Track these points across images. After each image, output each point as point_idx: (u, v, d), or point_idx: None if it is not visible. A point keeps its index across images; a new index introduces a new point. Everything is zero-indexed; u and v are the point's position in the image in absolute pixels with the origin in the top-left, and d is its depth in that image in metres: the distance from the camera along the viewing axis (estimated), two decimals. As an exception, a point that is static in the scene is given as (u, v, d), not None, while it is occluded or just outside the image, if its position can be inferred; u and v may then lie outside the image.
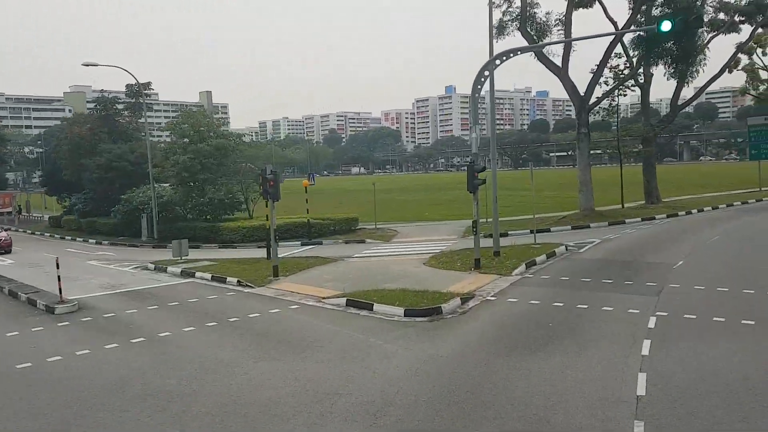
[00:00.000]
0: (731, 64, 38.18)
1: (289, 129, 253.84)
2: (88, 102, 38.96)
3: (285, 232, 27.32)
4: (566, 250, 20.04)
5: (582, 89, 29.08)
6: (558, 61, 28.78)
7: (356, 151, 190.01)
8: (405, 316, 12.39)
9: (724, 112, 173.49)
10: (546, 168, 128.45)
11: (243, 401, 8.28)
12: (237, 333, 11.81)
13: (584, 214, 28.42)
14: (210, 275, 18.15)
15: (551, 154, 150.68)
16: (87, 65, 29.32)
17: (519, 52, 18.31)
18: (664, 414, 7.28)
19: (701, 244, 20.19)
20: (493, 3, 25.22)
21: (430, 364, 9.42)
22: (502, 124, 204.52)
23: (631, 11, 28.65)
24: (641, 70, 31.97)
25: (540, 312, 12.38)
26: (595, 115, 33.53)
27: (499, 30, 29.14)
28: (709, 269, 16.04)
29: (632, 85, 32.53)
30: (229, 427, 7.49)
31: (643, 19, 28.41)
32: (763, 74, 44.18)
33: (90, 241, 33.78)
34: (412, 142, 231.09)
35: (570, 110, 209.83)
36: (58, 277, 15.19)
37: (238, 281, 16.94)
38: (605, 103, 31.88)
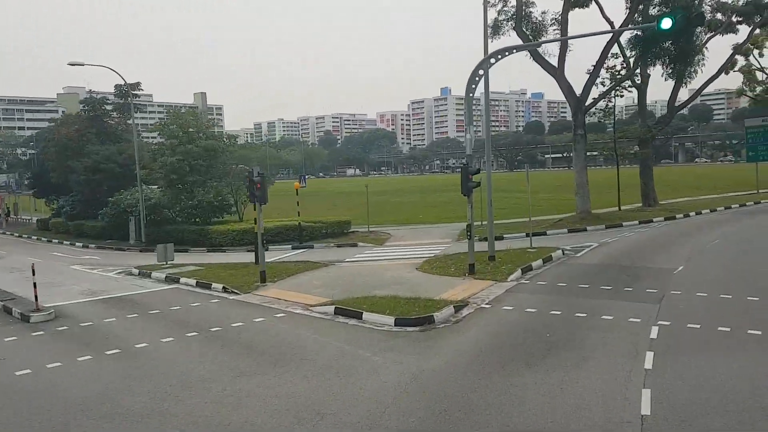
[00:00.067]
0: (728, 66, 37.89)
1: (284, 130, 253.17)
2: (81, 103, 38.15)
3: (276, 236, 26.73)
4: (563, 254, 19.51)
5: (578, 90, 28.60)
6: (554, 62, 28.29)
7: (351, 153, 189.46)
8: (395, 325, 11.81)
9: (719, 114, 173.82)
10: (541, 170, 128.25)
11: (218, 421, 7.68)
12: (218, 344, 11.20)
13: (581, 216, 27.92)
14: (195, 281, 17.52)
15: (546, 156, 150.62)
16: (73, 65, 28.72)
17: (514, 51, 17.79)
18: (672, 437, 6.73)
19: (701, 247, 19.70)
20: (488, 2, 24.74)
21: (420, 380, 8.84)
22: (497, 126, 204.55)
23: (628, 10, 28.20)
24: (638, 71, 31.53)
25: (537, 321, 11.83)
26: (591, 116, 33.10)
27: (494, 30, 28.60)
28: (711, 274, 15.54)
29: (629, 86, 32.06)
30: (200, 452, 6.89)
31: (640, 19, 27.95)
32: (759, 76, 43.94)
33: (77, 244, 33.06)
34: (407, 143, 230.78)
35: (565, 112, 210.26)
36: (34, 283, 14.55)
37: (224, 287, 16.32)
38: (601, 104, 31.43)
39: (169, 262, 20.46)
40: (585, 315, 11.99)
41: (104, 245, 31.28)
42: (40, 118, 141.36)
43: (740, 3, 33.68)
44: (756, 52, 41.54)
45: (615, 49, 29.86)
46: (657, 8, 27.66)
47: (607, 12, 29.43)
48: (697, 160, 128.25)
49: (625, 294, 13.75)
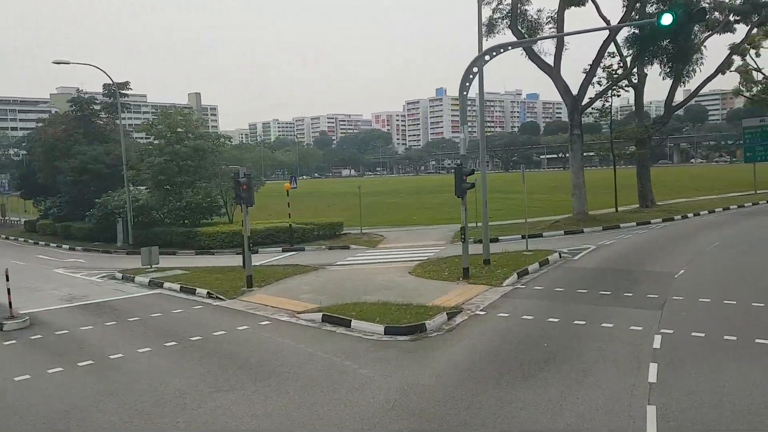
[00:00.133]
0: (725, 66, 37.47)
1: (279, 131, 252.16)
2: (68, 103, 37.43)
3: (266, 238, 26.12)
4: (560, 257, 18.97)
5: (574, 90, 28.10)
6: (550, 60, 27.76)
7: (347, 154, 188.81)
8: (385, 334, 11.22)
9: (714, 115, 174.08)
10: (536, 170, 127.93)
11: (189, 444, 7.08)
12: (197, 355, 10.58)
13: (577, 218, 27.41)
14: (179, 286, 16.87)
15: (542, 157, 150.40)
16: (58, 63, 27.99)
17: (510, 47, 17.24)
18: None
19: (701, 250, 19.19)
20: (483, 0, 24.22)
21: (410, 395, 8.25)
22: (492, 127, 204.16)
23: (625, 8, 27.70)
24: (635, 70, 31.06)
25: (534, 329, 11.26)
26: (587, 116, 32.60)
27: (489, 28, 28.10)
28: (713, 279, 15.02)
29: (626, 86, 31.58)
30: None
31: (637, 17, 27.45)
32: (756, 76, 43.53)
33: (63, 246, 32.35)
34: (402, 144, 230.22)
35: (560, 113, 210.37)
36: (8, 289, 13.87)
37: (208, 293, 15.68)
38: (598, 104, 30.92)
39: (153, 266, 19.81)
40: (584, 322, 11.44)
41: (91, 247, 30.58)
42: (33, 119, 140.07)
43: (738, 2, 33.27)
44: (753, 52, 41.17)
45: (611, 48, 29.45)
46: (654, 6, 27.16)
47: (603, 11, 29.00)
48: (692, 160, 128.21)
49: (625, 300, 13.21)
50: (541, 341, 10.44)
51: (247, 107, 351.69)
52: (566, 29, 27.53)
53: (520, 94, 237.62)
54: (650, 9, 27.30)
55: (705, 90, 35.70)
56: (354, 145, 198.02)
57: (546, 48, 28.05)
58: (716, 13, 32.94)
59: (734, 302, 12.55)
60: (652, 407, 7.54)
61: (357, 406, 7.91)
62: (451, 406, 7.84)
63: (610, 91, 29.92)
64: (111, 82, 32.50)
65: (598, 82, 29.30)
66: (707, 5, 31.25)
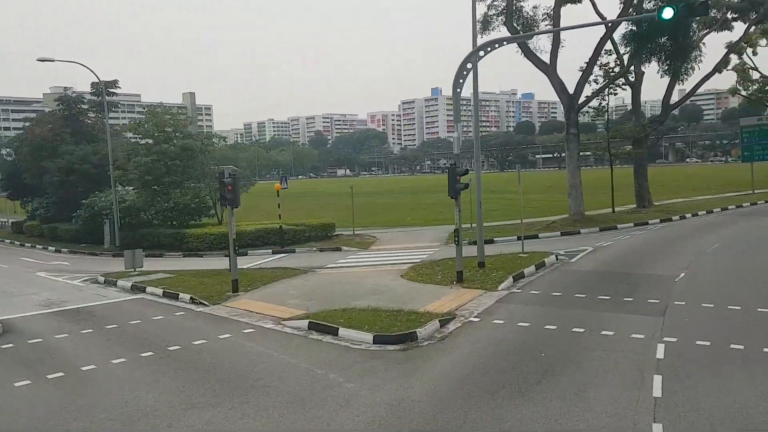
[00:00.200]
0: (722, 64, 37.04)
1: (274, 131, 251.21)
2: (55, 102, 36.74)
3: (256, 239, 25.51)
4: (556, 259, 18.43)
5: (571, 89, 27.56)
6: (546, 58, 27.26)
7: (342, 153, 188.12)
8: (374, 343, 10.64)
9: (709, 114, 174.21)
10: (532, 170, 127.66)
11: (156, 470, 6.48)
12: (173, 367, 9.97)
13: (574, 219, 26.89)
14: (162, 290, 16.22)
15: (537, 156, 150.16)
16: (42, 60, 27.32)
17: (505, 43, 16.67)
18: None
19: (701, 252, 18.68)
20: (478, -5, 23.64)
21: (398, 413, 7.67)
22: (488, 126, 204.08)
23: (622, 5, 27.18)
24: (632, 68, 30.57)
25: (530, 338, 10.69)
26: (583, 115, 32.08)
27: (483, 25, 27.52)
28: (715, 283, 14.50)
29: (623, 84, 31.09)
30: None
31: (634, 14, 26.92)
32: (753, 74, 43.17)
33: (49, 248, 31.64)
34: (398, 144, 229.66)
35: (556, 112, 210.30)
36: (-20, 296, 13.24)
37: (191, 298, 15.04)
38: (594, 102, 30.43)
39: (137, 269, 19.16)
40: (583, 330, 10.89)
41: (77, 249, 29.88)
42: (26, 118, 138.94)
43: (736, 0, 32.85)
44: (750, 50, 40.78)
45: (608, 46, 28.95)
46: (652, 2, 26.67)
47: (600, 8, 28.47)
48: (687, 160, 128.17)
49: (625, 305, 12.67)
50: (538, 351, 9.88)
51: (247, 107, 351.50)
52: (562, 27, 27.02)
53: (516, 94, 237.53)
54: (648, 5, 26.82)
55: (700, 89, 35.27)
56: (349, 144, 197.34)
57: (542, 45, 27.71)
58: (714, 11, 32.48)
59: (738, 307, 12.04)
60: (659, 425, 7.02)
61: (341, 425, 7.34)
62: (443, 424, 7.28)
63: (606, 89, 29.44)
64: (98, 81, 31.78)
65: (595, 81, 28.82)
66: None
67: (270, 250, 24.48)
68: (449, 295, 14.13)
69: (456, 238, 15.73)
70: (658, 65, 28.10)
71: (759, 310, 11.79)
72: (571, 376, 8.67)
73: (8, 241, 37.39)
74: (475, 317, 12.24)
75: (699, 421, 7.11)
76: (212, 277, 17.73)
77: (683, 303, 12.55)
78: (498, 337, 10.86)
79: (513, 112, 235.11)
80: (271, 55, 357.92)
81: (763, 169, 42.41)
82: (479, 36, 23.17)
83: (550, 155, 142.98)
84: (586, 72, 27.66)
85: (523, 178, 22.10)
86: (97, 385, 9.36)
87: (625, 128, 33.68)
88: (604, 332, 10.71)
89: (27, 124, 41.36)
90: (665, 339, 10.14)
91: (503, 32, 27.34)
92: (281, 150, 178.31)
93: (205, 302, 14.62)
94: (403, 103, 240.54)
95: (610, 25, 26.25)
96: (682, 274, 15.29)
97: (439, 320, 11.72)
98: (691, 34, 27.67)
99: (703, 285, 14.28)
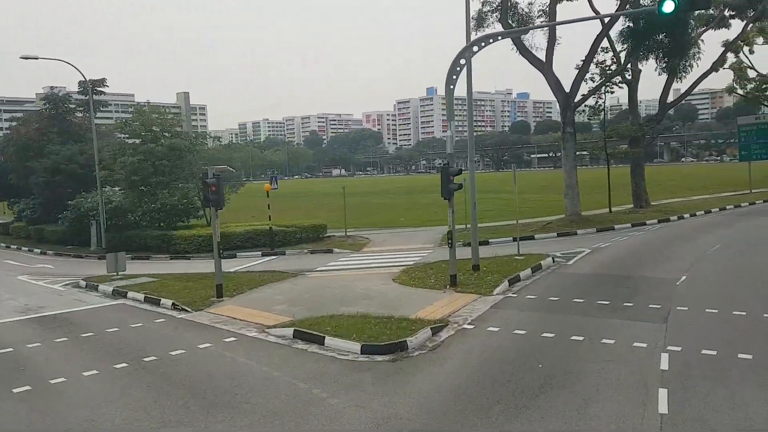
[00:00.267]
0: (719, 63, 36.63)
1: (269, 130, 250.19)
2: (42, 100, 36.07)
3: (246, 241, 24.89)
4: (553, 262, 17.89)
5: (567, 87, 27.05)
6: (541, 56, 26.71)
7: (337, 153, 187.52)
8: (362, 353, 10.05)
9: (703, 114, 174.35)
10: (527, 169, 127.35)
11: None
12: (147, 380, 9.35)
13: (570, 219, 26.37)
14: (143, 296, 15.58)
15: (532, 156, 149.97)
16: (26, 58, 26.62)
17: (499, 38, 16.13)
18: None
19: (702, 254, 18.18)
20: (471, -9, 23.09)
21: (385, 431, 7.09)
22: (483, 126, 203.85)
23: (619, 2, 26.67)
24: (629, 66, 30.08)
25: (527, 347, 10.13)
26: (580, 114, 31.59)
27: (478, 22, 26.98)
28: (718, 286, 14.00)
29: (619, 82, 30.60)
30: None
31: (631, 10, 26.43)
32: (750, 73, 42.80)
33: (35, 250, 30.94)
34: (393, 143, 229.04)
35: (551, 112, 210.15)
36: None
37: (173, 304, 14.40)
38: (590, 101, 29.92)
39: (120, 273, 18.49)
40: (582, 338, 10.34)
41: (63, 252, 29.22)
42: (12, 118, 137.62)
43: (733, -3, 32.41)
44: (746, 49, 40.42)
45: (605, 43, 28.48)
46: (650, -2, 26.16)
47: (596, 5, 27.98)
48: (683, 159, 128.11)
49: (625, 311, 12.13)
50: (536, 362, 9.31)
51: (247, 107, 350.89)
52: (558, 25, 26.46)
53: (511, 94, 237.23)
54: (644, 1, 26.29)
55: (694, 89, 34.86)
56: (344, 144, 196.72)
57: (538, 42, 27.09)
58: (711, 9, 32.02)
59: (743, 313, 11.52)
60: (667, 447, 6.47)
61: (321, 448, 6.76)
62: (432, 447, 6.71)
63: (603, 87, 28.95)
64: (84, 79, 31.05)
65: (591, 79, 28.36)
66: None
67: (260, 252, 23.86)
68: (442, 300, 13.56)
69: (449, 240, 15.16)
70: (656, 63, 27.63)
71: (765, 316, 11.28)
72: (570, 390, 8.11)
73: (-6, 242, 36.62)
74: (468, 324, 11.67)
75: (710, 441, 6.57)
76: (197, 281, 17.10)
77: (686, 308, 12.03)
78: (493, 346, 10.29)
79: (508, 111, 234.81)
80: (271, 55, 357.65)
81: (760, 169, 42.05)
82: (473, 33, 22.66)
83: (546, 155, 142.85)
84: (583, 70, 27.16)
85: (518, 178, 21.57)
86: (65, 401, 8.75)
87: (622, 127, 33.19)
88: (604, 340, 10.16)
89: (13, 123, 40.48)
90: (669, 348, 9.60)
91: (498, 29, 26.77)
92: (276, 150, 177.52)
93: (187, 308, 13.98)
94: (399, 102, 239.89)
95: (607, 20, 25.77)
96: (683, 277, 14.78)
97: (431, 328, 11.15)
98: (689, 30, 27.18)
99: (706, 289, 13.77)
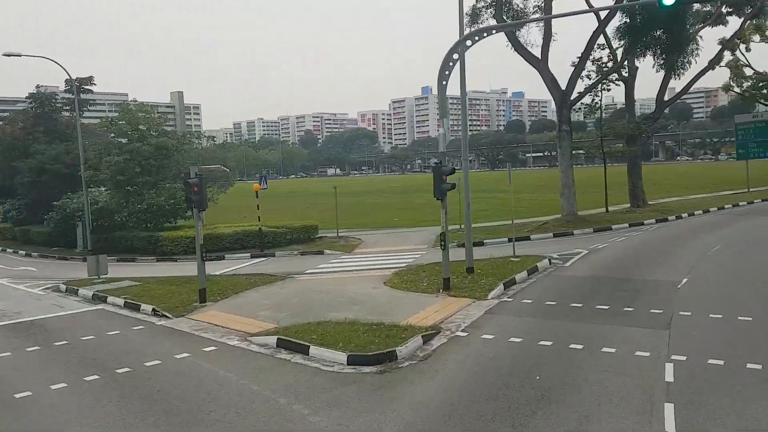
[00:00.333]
0: (716, 60, 36.18)
1: (264, 130, 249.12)
2: (27, 99, 35.31)
3: (235, 242, 24.29)
4: (550, 263, 17.36)
5: (563, 85, 26.53)
6: (537, 52, 26.22)
7: (332, 153, 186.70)
8: (348, 364, 9.47)
9: (698, 112, 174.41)
10: (522, 169, 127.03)
11: None
12: (117, 393, 8.74)
13: (567, 219, 25.87)
14: (123, 301, 14.95)
15: (528, 155, 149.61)
16: (9, 55, 25.99)
17: (494, 31, 15.56)
18: None
19: (702, 255, 17.67)
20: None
21: (368, 455, 6.52)
22: (478, 125, 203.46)
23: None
24: (626, 63, 29.59)
25: (523, 356, 9.57)
26: (576, 112, 31.08)
27: (472, 18, 26.47)
28: (721, 289, 13.48)
29: (616, 80, 30.08)
30: None
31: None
32: (747, 71, 42.35)
33: (20, 252, 30.25)
34: (388, 143, 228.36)
35: (546, 111, 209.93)
36: None
37: (153, 310, 13.78)
38: (587, 99, 29.40)
39: (102, 276, 17.86)
40: (581, 347, 9.79)
41: (48, 253, 28.54)
42: (3, 117, 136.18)
43: (730, -7, 31.94)
44: (743, 46, 39.97)
45: (601, 40, 27.98)
46: (648, -6, 25.63)
47: (592, 1, 27.49)
48: (678, 158, 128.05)
49: (625, 316, 11.59)
50: (533, 373, 8.75)
51: (247, 107, 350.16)
52: (554, 21, 25.98)
53: (506, 93, 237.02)
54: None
55: (691, 86, 34.38)
56: (340, 144, 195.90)
57: (533, 39, 26.76)
58: (708, 6, 31.57)
59: (749, 318, 11.01)
60: (676, 470, 5.92)
61: (299, 474, 6.17)
62: (420, 472, 6.13)
63: (600, 85, 28.44)
64: (69, 77, 30.34)
65: (587, 76, 27.82)
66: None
67: (249, 254, 23.25)
68: (434, 305, 13.00)
69: (442, 242, 14.59)
70: (654, 59, 27.14)
71: (772, 321, 10.77)
72: (570, 405, 7.55)
73: (-21, 244, 35.83)
74: (462, 331, 11.10)
75: (722, 464, 6.02)
76: (181, 285, 16.49)
77: (689, 313, 11.50)
78: (487, 357, 9.73)
79: (503, 110, 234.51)
80: (270, 55, 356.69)
81: (757, 167, 41.64)
82: (467, 29, 22.11)
83: (541, 154, 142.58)
84: (579, 67, 26.64)
85: (513, 177, 21.02)
86: (29, 417, 8.14)
87: (619, 125, 32.65)
88: (604, 349, 9.62)
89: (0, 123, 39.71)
90: (673, 357, 9.07)
91: (492, 25, 26.26)
92: (270, 149, 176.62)
93: (167, 314, 13.37)
94: (394, 102, 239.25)
95: (604, 16, 25.25)
96: (685, 280, 14.26)
97: (423, 335, 10.58)
98: (687, 27, 26.69)
99: (709, 292, 13.25)
